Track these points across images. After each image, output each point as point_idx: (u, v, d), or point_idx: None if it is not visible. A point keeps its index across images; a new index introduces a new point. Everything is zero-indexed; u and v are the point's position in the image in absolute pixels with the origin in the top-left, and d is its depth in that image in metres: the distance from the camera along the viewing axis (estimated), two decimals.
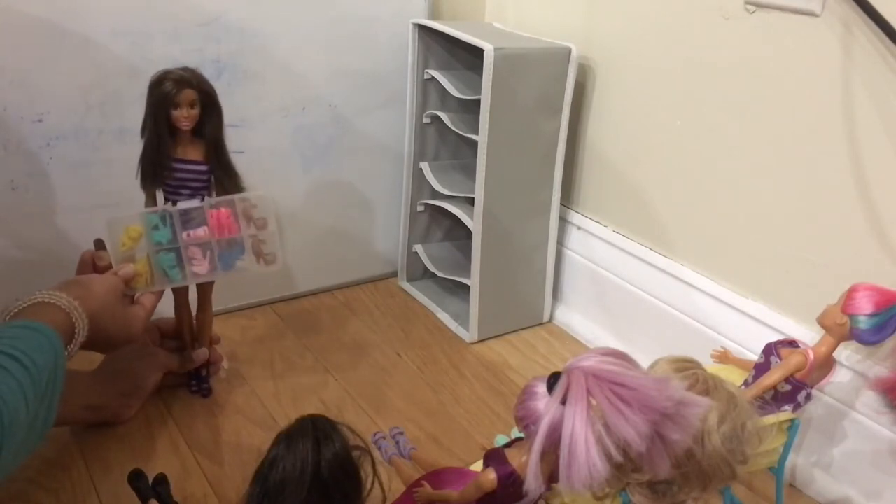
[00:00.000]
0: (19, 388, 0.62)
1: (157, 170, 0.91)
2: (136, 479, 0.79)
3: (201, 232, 0.92)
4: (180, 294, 1.00)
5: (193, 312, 1.03)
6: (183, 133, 0.91)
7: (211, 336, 1.04)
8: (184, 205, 0.92)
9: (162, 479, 0.81)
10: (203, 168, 0.93)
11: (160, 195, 0.94)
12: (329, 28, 1.19)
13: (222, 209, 0.93)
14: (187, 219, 0.92)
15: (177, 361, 1.02)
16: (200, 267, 0.93)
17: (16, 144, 1.02)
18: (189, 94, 0.88)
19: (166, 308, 1.00)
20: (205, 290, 1.01)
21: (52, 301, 0.75)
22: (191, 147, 0.92)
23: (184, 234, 0.92)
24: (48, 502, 0.86)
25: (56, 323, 0.73)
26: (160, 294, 0.93)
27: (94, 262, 0.90)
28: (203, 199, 0.93)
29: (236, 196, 0.93)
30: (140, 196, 0.94)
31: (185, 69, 0.89)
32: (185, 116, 0.88)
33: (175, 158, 0.92)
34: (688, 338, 1.09)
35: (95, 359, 0.98)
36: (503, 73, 1.09)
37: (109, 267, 0.90)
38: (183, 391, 1.05)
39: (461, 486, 0.67)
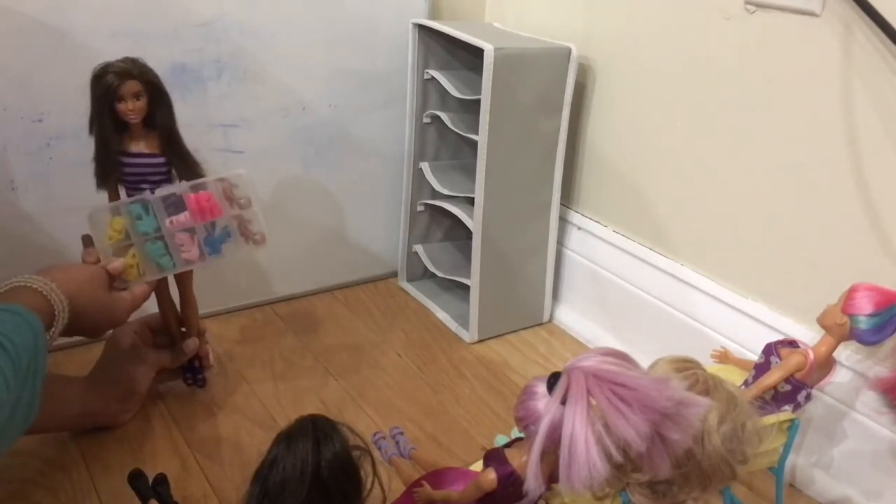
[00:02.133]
0: None
1: (108, 166, 0.89)
2: (136, 479, 0.79)
3: (183, 217, 0.90)
4: (162, 288, 0.99)
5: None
6: (133, 126, 0.88)
7: (199, 326, 1.03)
8: (161, 191, 0.90)
9: (162, 479, 0.81)
10: (159, 160, 0.90)
11: (123, 193, 0.92)
12: (329, 28, 1.19)
13: (201, 192, 0.90)
14: (169, 205, 0.90)
15: (168, 358, 1.01)
16: (190, 253, 0.91)
17: (16, 144, 1.02)
18: (132, 85, 0.85)
19: (151, 304, 1.00)
20: (184, 282, 0.99)
21: (28, 284, 0.74)
22: (144, 140, 0.90)
23: (167, 222, 0.90)
24: (48, 502, 0.86)
25: (34, 305, 0.72)
26: (153, 283, 0.92)
27: (83, 260, 0.90)
28: (180, 184, 0.91)
29: (213, 177, 0.90)
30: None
31: (126, 59, 0.86)
32: (130, 109, 0.86)
33: (129, 153, 0.89)
34: (688, 338, 1.09)
35: (88, 364, 0.98)
36: (503, 73, 1.09)
37: (98, 262, 0.89)
38: (181, 390, 1.05)
39: (461, 486, 0.67)
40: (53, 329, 0.75)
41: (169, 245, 0.90)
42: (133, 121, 0.87)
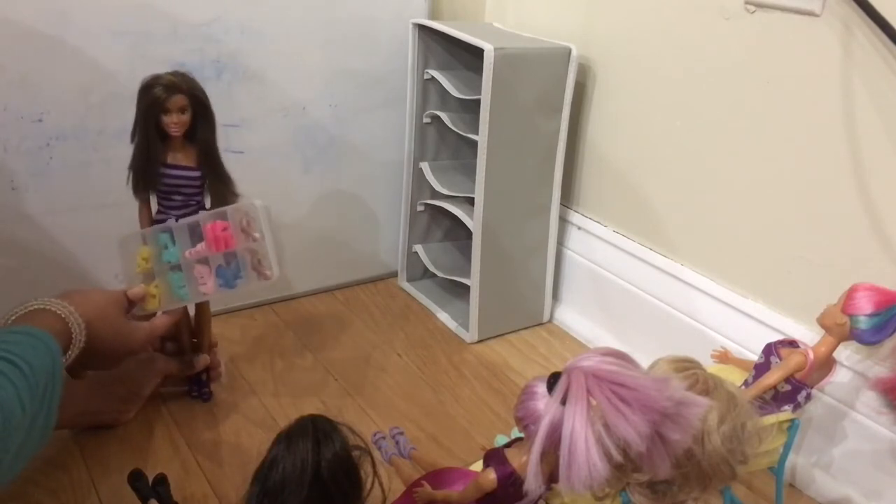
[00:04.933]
0: (15, 390, 0.63)
1: (148, 176, 0.90)
2: (136, 479, 0.79)
3: (201, 247, 0.90)
4: None
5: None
6: (174, 138, 0.89)
7: (210, 340, 1.03)
8: (185, 220, 0.90)
9: (162, 480, 0.81)
10: (195, 174, 0.92)
11: (153, 201, 0.94)
12: (329, 28, 1.19)
13: (217, 222, 0.89)
14: (192, 234, 0.90)
15: (176, 366, 1.01)
16: (206, 286, 0.90)
17: (16, 144, 1.02)
18: (179, 99, 0.86)
19: None
20: None
21: (48, 307, 0.75)
22: (182, 153, 0.91)
23: (186, 253, 0.90)
24: (48, 502, 0.86)
25: (53, 328, 0.73)
26: (174, 317, 0.92)
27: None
28: (199, 212, 0.91)
29: (229, 207, 0.90)
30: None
31: (176, 73, 0.88)
32: (174, 122, 0.87)
33: (166, 164, 0.90)
34: (688, 338, 1.09)
35: None
36: (503, 73, 1.09)
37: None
38: (183, 393, 1.05)
39: (461, 486, 0.67)
40: (70, 352, 0.75)
41: (186, 276, 0.91)
42: (175, 134, 0.88)
